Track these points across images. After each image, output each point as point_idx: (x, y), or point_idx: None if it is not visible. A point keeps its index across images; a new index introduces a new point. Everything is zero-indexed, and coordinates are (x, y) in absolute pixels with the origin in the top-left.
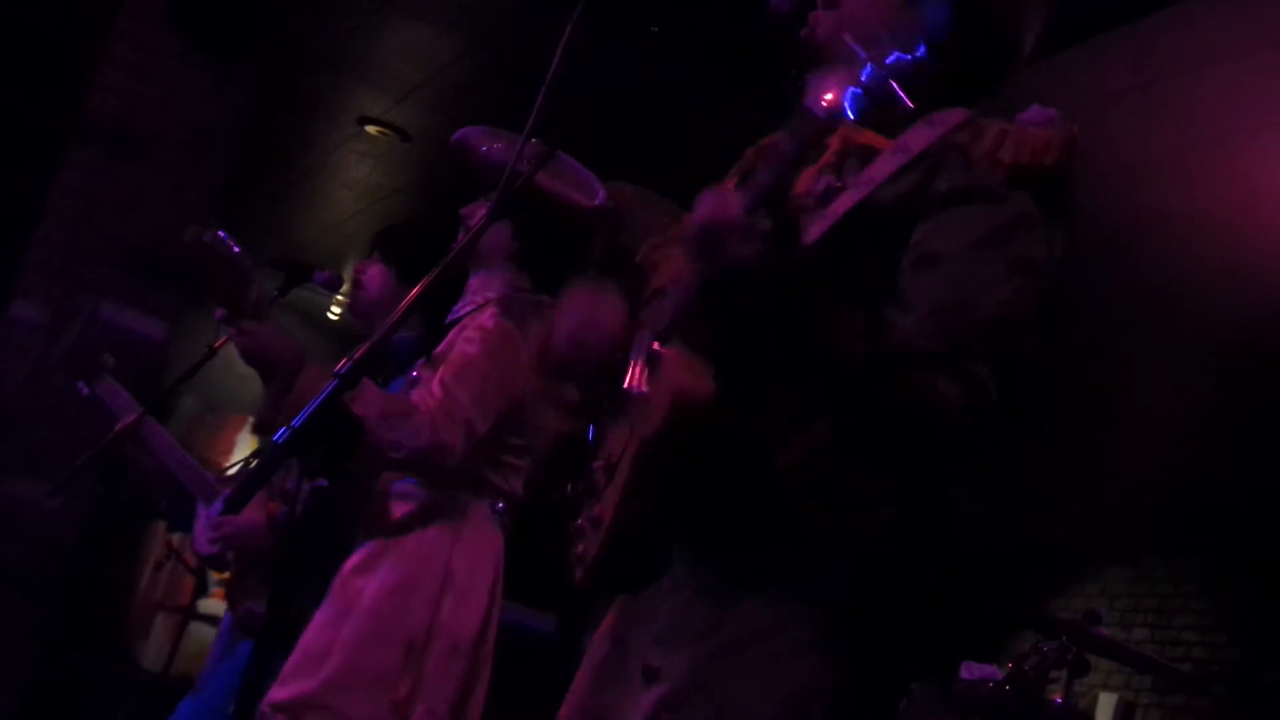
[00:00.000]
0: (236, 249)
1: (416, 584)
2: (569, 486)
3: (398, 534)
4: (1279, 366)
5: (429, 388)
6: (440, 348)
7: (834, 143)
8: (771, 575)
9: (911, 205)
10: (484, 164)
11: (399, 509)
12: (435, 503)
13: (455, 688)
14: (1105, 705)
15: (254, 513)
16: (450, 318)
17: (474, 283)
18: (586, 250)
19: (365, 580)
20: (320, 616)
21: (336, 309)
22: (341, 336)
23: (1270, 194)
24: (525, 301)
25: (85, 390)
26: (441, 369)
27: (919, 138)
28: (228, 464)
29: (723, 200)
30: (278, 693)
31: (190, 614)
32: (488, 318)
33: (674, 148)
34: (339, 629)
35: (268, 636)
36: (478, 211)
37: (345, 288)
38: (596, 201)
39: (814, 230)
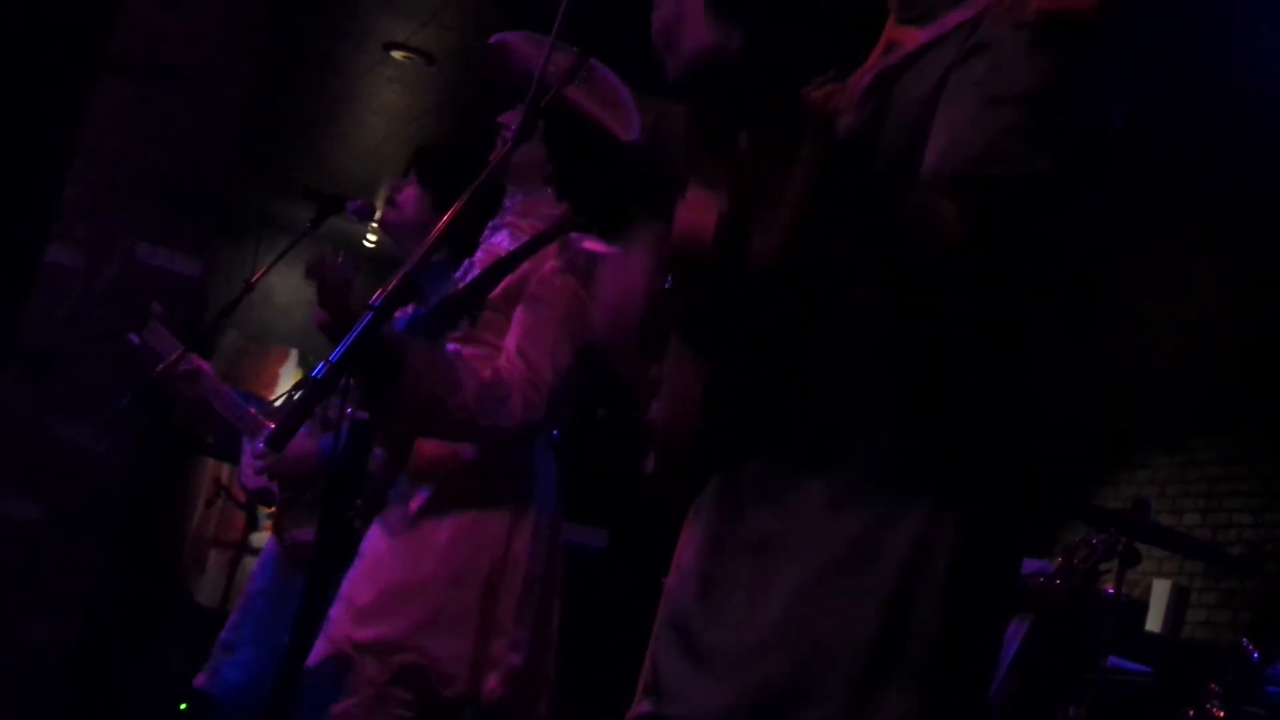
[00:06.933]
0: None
1: (490, 522)
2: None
3: (464, 474)
4: None
5: (509, 357)
6: (498, 292)
7: (879, 47)
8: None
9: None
10: (519, 76)
11: (464, 450)
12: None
13: (533, 618)
14: (1159, 591)
15: (298, 442)
16: (490, 240)
17: (513, 204)
18: (628, 180)
19: (438, 521)
20: (391, 557)
21: (372, 236)
22: (377, 263)
23: None
24: (588, 256)
25: (137, 340)
26: (518, 335)
27: (955, 15)
28: (272, 396)
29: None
30: (358, 632)
31: (243, 549)
32: (551, 273)
33: None
34: (416, 570)
35: (321, 569)
36: (515, 120)
37: (379, 211)
38: (631, 137)
39: (847, 117)
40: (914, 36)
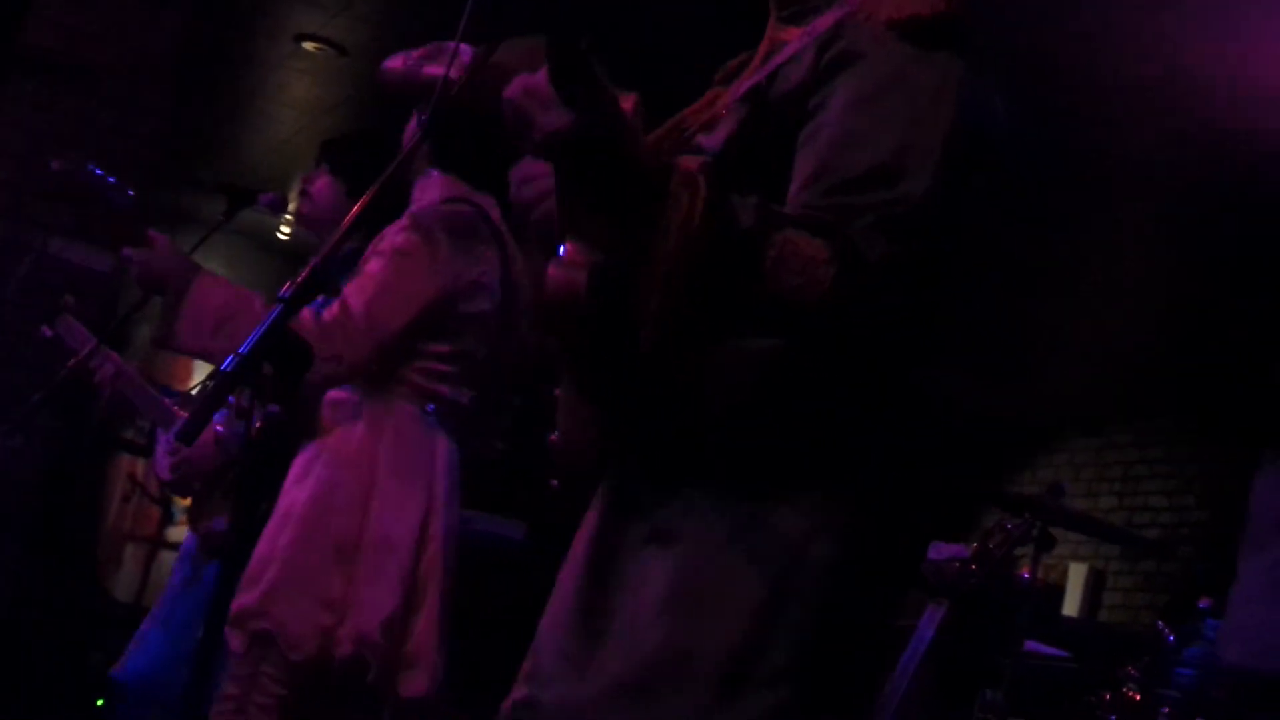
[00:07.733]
0: (111, 180)
1: (341, 485)
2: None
3: (326, 438)
4: (1240, 233)
5: (334, 304)
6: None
7: (762, 46)
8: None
9: (808, 87)
10: (407, 83)
11: (330, 415)
12: (360, 407)
13: (393, 589)
14: (1076, 575)
15: (210, 434)
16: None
17: (414, 192)
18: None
19: (300, 488)
20: (267, 530)
21: (286, 229)
22: (292, 256)
23: (1237, 56)
24: (438, 214)
25: (48, 332)
26: (349, 286)
27: (825, 20)
28: (187, 389)
29: (531, 77)
30: (233, 608)
31: (159, 543)
32: (396, 231)
33: (627, 47)
34: (276, 539)
35: (231, 557)
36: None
37: (292, 205)
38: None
39: (720, 130)
40: (793, 35)
